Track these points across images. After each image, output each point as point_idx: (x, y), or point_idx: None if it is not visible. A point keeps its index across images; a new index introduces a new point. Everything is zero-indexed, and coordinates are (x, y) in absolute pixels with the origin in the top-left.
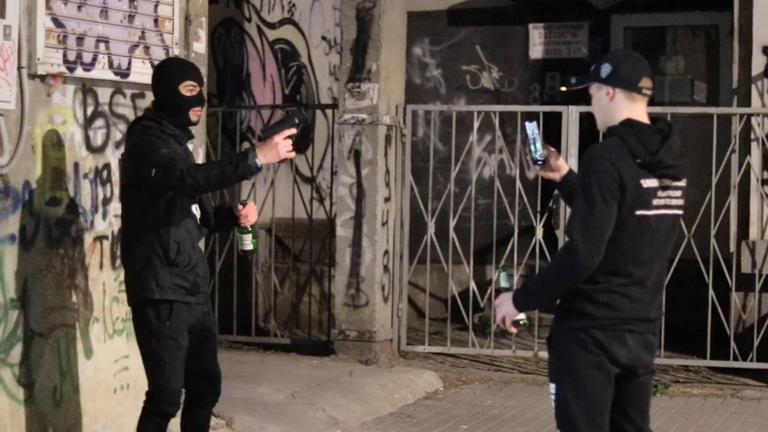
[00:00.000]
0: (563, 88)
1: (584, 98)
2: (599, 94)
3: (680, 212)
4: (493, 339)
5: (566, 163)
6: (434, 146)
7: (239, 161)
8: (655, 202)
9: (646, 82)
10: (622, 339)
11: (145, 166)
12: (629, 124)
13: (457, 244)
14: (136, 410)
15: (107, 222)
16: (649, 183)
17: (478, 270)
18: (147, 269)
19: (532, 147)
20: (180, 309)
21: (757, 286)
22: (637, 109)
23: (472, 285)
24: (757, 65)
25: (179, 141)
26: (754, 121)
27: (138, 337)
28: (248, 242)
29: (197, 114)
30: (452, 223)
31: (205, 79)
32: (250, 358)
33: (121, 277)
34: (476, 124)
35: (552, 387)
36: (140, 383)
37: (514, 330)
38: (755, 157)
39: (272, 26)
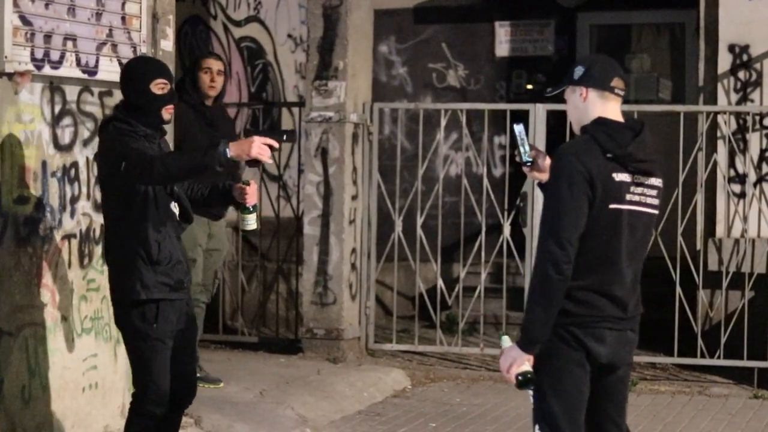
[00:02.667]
0: (529, 86)
1: (550, 97)
2: (573, 96)
3: (655, 212)
4: (460, 337)
5: None
6: (401, 144)
7: (209, 149)
8: (629, 196)
9: (618, 83)
10: (601, 336)
11: (116, 162)
12: (601, 122)
13: (425, 241)
14: (104, 409)
15: (75, 220)
16: (621, 177)
17: (445, 268)
18: (131, 269)
19: (521, 149)
20: (165, 309)
21: (724, 284)
22: (611, 109)
23: (440, 283)
24: (723, 63)
25: (151, 141)
26: (720, 118)
27: (124, 337)
28: (252, 222)
29: (169, 112)
30: (419, 221)
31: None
32: (218, 356)
33: (90, 275)
34: (443, 122)
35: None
36: (108, 382)
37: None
38: (721, 155)
39: (238, 24)
